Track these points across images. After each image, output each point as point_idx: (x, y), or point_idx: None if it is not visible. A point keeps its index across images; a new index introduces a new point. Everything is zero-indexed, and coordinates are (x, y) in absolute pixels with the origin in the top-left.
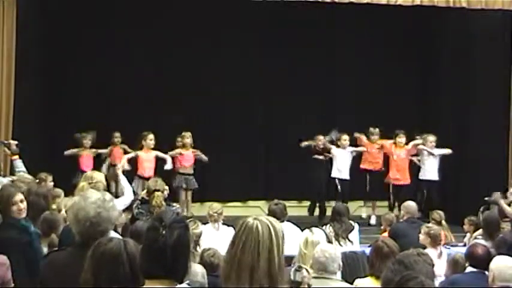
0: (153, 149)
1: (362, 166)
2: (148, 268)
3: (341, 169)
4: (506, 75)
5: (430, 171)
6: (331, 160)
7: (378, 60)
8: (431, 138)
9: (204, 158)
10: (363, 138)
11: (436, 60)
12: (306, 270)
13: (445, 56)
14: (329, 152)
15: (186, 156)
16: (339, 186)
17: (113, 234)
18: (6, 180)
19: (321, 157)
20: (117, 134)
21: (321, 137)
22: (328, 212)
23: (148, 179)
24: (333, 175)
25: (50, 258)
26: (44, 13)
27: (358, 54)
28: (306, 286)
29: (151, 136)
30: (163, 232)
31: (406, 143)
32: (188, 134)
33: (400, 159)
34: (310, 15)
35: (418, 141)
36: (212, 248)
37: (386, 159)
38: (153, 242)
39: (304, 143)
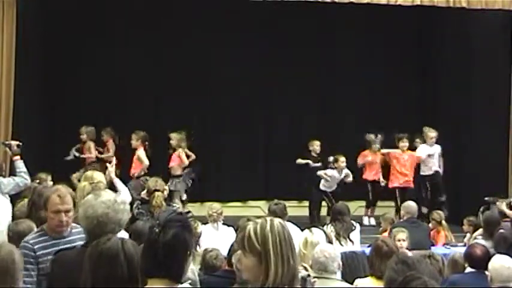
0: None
1: (364, 176)
2: (145, 267)
3: (331, 186)
4: (506, 75)
5: (431, 165)
6: (325, 166)
7: (378, 61)
8: (432, 134)
9: (185, 161)
10: (365, 154)
11: (436, 61)
12: (305, 268)
13: (445, 56)
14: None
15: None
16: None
17: (122, 234)
18: (6, 180)
19: (317, 164)
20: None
21: (317, 142)
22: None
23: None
24: (321, 187)
25: (58, 257)
26: (44, 13)
27: (358, 54)
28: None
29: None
30: (157, 231)
31: (409, 148)
32: (172, 135)
33: (404, 162)
34: (310, 15)
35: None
36: (214, 249)
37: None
38: (147, 241)
39: (299, 161)
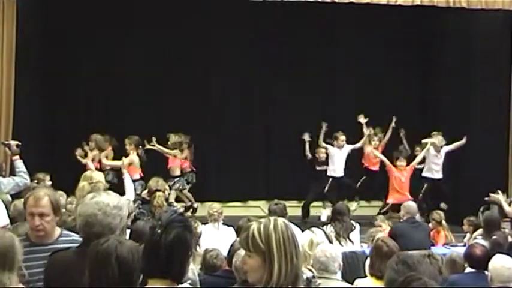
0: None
1: (364, 162)
2: (146, 267)
3: (336, 168)
4: (506, 75)
5: (434, 169)
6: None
7: (378, 61)
8: (442, 140)
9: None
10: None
11: (436, 61)
12: (310, 270)
13: (445, 56)
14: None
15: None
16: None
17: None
18: (6, 180)
19: (323, 167)
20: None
21: (323, 150)
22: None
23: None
24: (328, 174)
25: (53, 259)
26: (44, 11)
27: (358, 54)
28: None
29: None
30: (159, 231)
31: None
32: (170, 136)
33: (400, 182)
34: (310, 15)
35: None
36: (215, 249)
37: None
38: (149, 242)
39: (308, 154)
